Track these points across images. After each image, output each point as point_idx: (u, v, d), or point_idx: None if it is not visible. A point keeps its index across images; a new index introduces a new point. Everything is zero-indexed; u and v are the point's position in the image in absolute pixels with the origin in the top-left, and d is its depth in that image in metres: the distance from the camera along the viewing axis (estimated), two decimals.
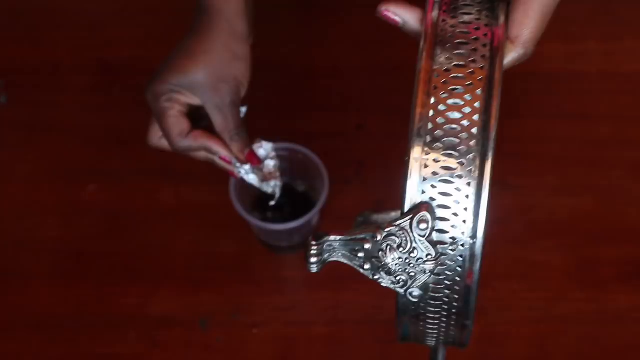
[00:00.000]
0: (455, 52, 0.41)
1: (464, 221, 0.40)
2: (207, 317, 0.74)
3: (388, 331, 0.73)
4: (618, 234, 0.78)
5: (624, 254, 0.77)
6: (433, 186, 0.40)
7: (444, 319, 0.44)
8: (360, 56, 0.86)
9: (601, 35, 0.87)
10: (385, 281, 0.41)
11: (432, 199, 0.40)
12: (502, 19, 0.43)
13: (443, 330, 0.45)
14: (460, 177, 0.40)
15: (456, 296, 0.42)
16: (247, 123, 0.67)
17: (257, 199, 0.76)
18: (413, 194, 0.40)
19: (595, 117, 0.83)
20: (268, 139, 0.70)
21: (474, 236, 0.40)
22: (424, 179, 0.40)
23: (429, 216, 0.39)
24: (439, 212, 0.40)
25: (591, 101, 0.84)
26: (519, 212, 0.79)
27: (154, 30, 0.87)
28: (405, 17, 0.44)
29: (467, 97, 0.40)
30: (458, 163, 0.40)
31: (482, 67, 0.40)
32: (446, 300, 0.42)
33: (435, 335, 0.45)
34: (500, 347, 0.73)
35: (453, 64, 0.40)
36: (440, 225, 0.40)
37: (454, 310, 0.43)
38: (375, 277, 0.40)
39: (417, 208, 0.40)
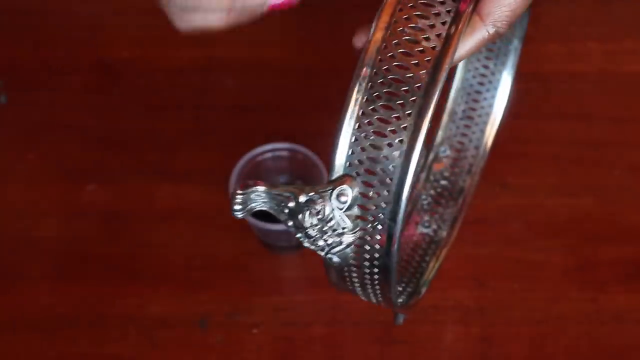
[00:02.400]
0: (416, 13, 0.41)
1: (384, 203, 0.40)
2: (207, 317, 0.74)
3: (387, 332, 0.74)
4: (618, 234, 0.78)
5: (624, 254, 0.77)
6: (360, 161, 0.40)
7: (368, 287, 0.44)
8: None
9: (601, 35, 0.87)
10: (306, 242, 0.41)
11: (357, 174, 0.40)
12: None
13: (370, 294, 0.45)
14: (390, 145, 0.40)
15: (376, 271, 0.42)
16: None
17: None
18: (340, 162, 0.40)
19: (595, 117, 0.83)
20: (268, 139, 0.70)
21: (392, 219, 0.40)
22: (355, 140, 0.40)
23: (349, 190, 0.40)
24: (363, 188, 0.40)
25: (591, 101, 0.84)
26: (519, 212, 0.79)
27: (154, 31, 0.87)
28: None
29: (414, 62, 0.40)
30: (390, 129, 0.40)
31: (438, 34, 0.40)
32: (367, 272, 0.42)
33: (364, 296, 0.46)
34: (500, 347, 0.73)
35: (409, 25, 0.40)
36: (362, 201, 0.40)
37: (376, 283, 0.43)
38: (298, 235, 0.41)
39: (341, 179, 0.40)
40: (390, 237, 0.40)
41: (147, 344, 0.74)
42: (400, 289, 0.58)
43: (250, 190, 0.41)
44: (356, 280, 0.44)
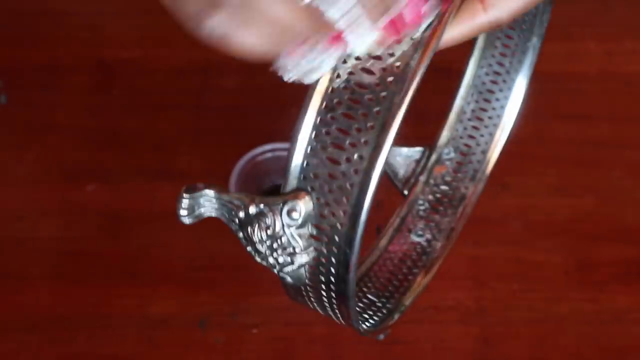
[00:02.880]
0: None
1: (340, 225, 0.35)
2: (207, 318, 0.74)
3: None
4: (618, 234, 0.78)
5: (624, 254, 0.77)
6: (315, 175, 0.35)
7: (328, 309, 0.39)
8: None
9: (601, 35, 0.87)
10: (257, 258, 0.37)
11: (312, 189, 0.35)
12: None
13: (332, 315, 0.40)
14: (348, 160, 0.34)
15: (333, 295, 0.37)
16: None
17: None
18: (294, 174, 0.36)
19: (595, 117, 0.83)
20: (268, 139, 0.69)
21: (348, 244, 0.35)
22: (311, 150, 0.35)
23: (301, 207, 0.35)
24: (317, 205, 0.35)
25: (591, 101, 0.84)
26: (519, 212, 0.79)
27: (154, 31, 0.87)
28: None
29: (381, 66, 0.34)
30: (353, 130, 0.34)
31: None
32: (324, 295, 0.38)
33: (326, 314, 0.41)
34: (500, 347, 0.73)
35: None
36: (316, 219, 0.35)
37: (335, 306, 0.39)
38: (248, 249, 0.37)
39: (293, 194, 0.36)
40: (345, 263, 0.35)
41: (147, 344, 0.74)
42: (378, 304, 0.52)
43: (197, 193, 0.37)
44: (314, 300, 0.40)
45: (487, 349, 0.73)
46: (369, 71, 0.34)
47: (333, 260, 0.36)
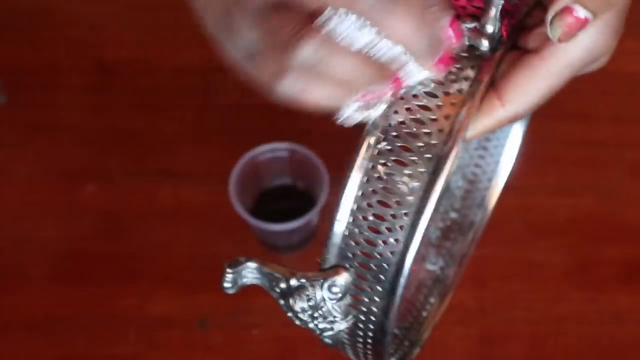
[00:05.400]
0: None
1: (377, 297, 0.39)
2: (207, 318, 0.74)
3: None
4: (618, 234, 0.78)
5: (624, 254, 0.77)
6: (354, 254, 0.39)
7: (362, 356, 0.43)
8: None
9: None
10: (297, 322, 0.40)
11: (351, 266, 0.39)
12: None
13: None
14: (385, 242, 0.38)
15: (369, 353, 0.41)
16: None
17: (257, 199, 0.76)
18: (333, 253, 0.39)
19: (595, 118, 0.83)
20: (268, 139, 0.69)
21: (385, 314, 0.39)
22: (351, 233, 0.39)
23: (341, 283, 0.39)
24: (356, 280, 0.39)
25: (591, 101, 0.84)
26: (519, 212, 0.79)
27: (154, 31, 0.87)
28: None
29: (412, 158, 0.38)
30: (386, 227, 0.38)
31: (440, 129, 0.37)
32: (360, 351, 0.42)
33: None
34: (500, 347, 0.73)
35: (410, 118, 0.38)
36: (355, 291, 0.39)
37: (370, 358, 0.42)
38: (289, 315, 0.40)
39: (333, 270, 0.39)
40: (382, 330, 0.39)
41: (147, 344, 0.74)
42: (400, 337, 0.55)
43: (240, 267, 0.40)
44: (351, 353, 0.43)
45: (487, 349, 0.73)
46: (402, 163, 0.38)
47: (371, 326, 0.40)
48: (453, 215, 0.62)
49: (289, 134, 0.75)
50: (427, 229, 0.53)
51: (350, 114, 0.38)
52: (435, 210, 0.52)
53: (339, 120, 0.38)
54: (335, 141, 0.83)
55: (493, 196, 0.62)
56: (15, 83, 0.85)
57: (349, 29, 0.35)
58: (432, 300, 0.59)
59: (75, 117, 0.84)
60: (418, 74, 0.37)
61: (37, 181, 0.81)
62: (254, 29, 0.37)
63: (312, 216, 0.71)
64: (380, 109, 0.38)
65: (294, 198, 0.76)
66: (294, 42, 0.35)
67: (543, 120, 0.83)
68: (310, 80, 0.36)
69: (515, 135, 0.62)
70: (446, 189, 0.61)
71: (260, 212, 0.75)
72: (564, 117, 0.84)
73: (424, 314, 0.58)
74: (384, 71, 0.37)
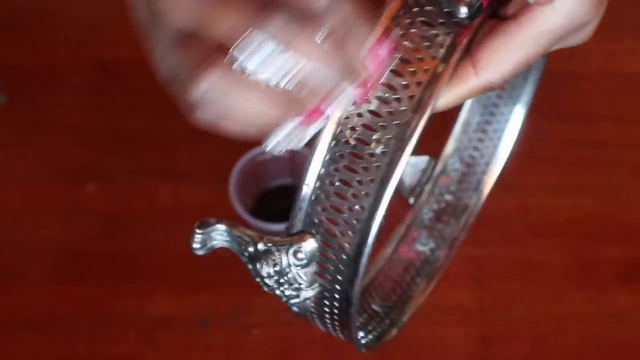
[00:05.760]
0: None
1: (342, 266, 0.38)
2: (207, 318, 0.74)
3: None
4: (618, 234, 0.78)
5: (624, 254, 0.77)
6: (320, 220, 0.38)
7: (332, 332, 0.43)
8: None
9: (601, 35, 0.86)
10: (265, 288, 0.40)
11: (317, 232, 0.38)
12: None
13: (336, 336, 0.44)
14: (350, 209, 0.37)
15: (337, 324, 0.41)
16: None
17: (257, 199, 0.76)
18: (300, 218, 0.39)
19: (595, 118, 0.83)
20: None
21: (350, 283, 0.38)
22: (316, 199, 0.38)
23: (307, 249, 0.38)
24: (322, 247, 0.38)
25: (591, 101, 0.84)
26: (519, 212, 0.79)
27: None
28: None
29: (381, 123, 0.37)
30: (361, 169, 0.37)
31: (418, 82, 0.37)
32: (328, 323, 0.41)
33: (331, 332, 0.44)
34: (500, 347, 0.73)
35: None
36: (320, 259, 0.38)
37: (339, 332, 0.42)
38: (256, 280, 0.40)
39: (299, 236, 0.39)
40: (348, 300, 0.39)
41: (147, 344, 0.74)
42: (382, 315, 0.54)
43: (210, 228, 0.40)
44: (319, 324, 0.43)
45: (487, 349, 0.73)
46: (370, 128, 0.37)
47: (336, 295, 0.39)
48: (448, 197, 0.62)
49: None
50: (420, 210, 0.53)
51: (275, 146, 0.37)
52: (430, 192, 0.51)
53: (267, 149, 0.37)
54: None
55: (489, 180, 0.62)
56: (15, 83, 0.85)
57: (262, 57, 0.33)
58: (419, 280, 0.58)
59: (75, 117, 0.84)
60: (341, 102, 0.36)
61: (37, 181, 0.81)
62: (170, 54, 0.37)
63: None
64: (307, 138, 0.38)
65: (294, 198, 0.76)
66: (194, 75, 0.35)
67: (543, 120, 0.83)
68: (220, 114, 0.35)
69: (516, 119, 0.61)
70: (442, 171, 0.62)
71: (260, 212, 0.75)
72: (564, 117, 0.84)
73: (409, 293, 0.57)
74: (297, 103, 0.35)
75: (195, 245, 0.40)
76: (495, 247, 0.77)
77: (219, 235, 0.40)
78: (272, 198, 0.74)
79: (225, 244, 0.40)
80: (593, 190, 0.80)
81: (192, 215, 0.79)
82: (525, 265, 0.76)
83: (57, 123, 0.84)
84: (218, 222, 0.40)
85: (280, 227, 0.71)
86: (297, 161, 0.75)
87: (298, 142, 0.37)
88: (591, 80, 0.85)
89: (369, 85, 0.37)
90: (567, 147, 0.82)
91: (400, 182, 0.58)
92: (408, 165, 0.57)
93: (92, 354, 0.74)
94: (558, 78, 0.85)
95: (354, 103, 0.37)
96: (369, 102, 0.37)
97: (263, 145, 0.37)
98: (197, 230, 0.40)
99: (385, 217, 0.37)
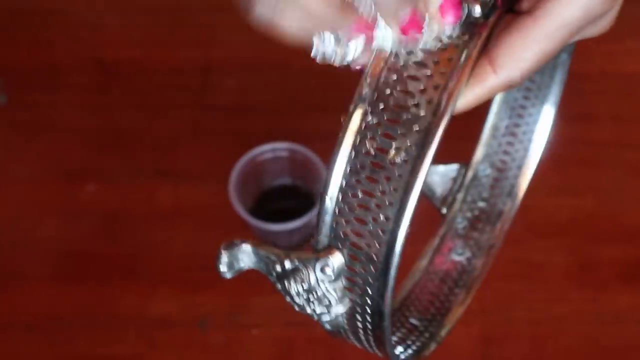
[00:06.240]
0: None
1: (371, 279, 0.37)
2: (206, 318, 0.74)
3: None
4: (618, 234, 0.78)
5: (624, 254, 0.77)
6: (345, 234, 0.37)
7: (367, 348, 0.42)
8: None
9: (601, 35, 0.87)
10: (296, 307, 0.39)
11: (343, 246, 0.37)
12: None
13: (371, 352, 0.43)
14: (375, 220, 0.36)
15: (372, 339, 0.40)
16: None
17: (257, 199, 0.76)
18: (325, 233, 0.38)
19: (595, 118, 0.83)
20: (268, 139, 0.69)
21: (380, 296, 0.37)
22: (339, 212, 0.37)
23: (333, 263, 0.37)
24: (349, 261, 0.37)
25: (591, 101, 0.84)
26: (519, 212, 0.78)
27: (154, 31, 0.87)
28: None
29: (401, 131, 0.36)
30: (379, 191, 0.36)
31: (429, 100, 0.36)
32: (362, 338, 0.40)
33: (367, 349, 0.43)
34: (500, 347, 0.73)
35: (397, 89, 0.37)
36: (349, 273, 0.38)
37: (374, 347, 0.41)
38: (287, 299, 0.39)
39: (325, 251, 0.38)
40: (380, 313, 0.38)
41: (147, 344, 0.74)
42: (421, 329, 0.53)
43: (236, 249, 0.39)
44: (354, 340, 0.42)
45: (487, 349, 0.73)
46: (390, 136, 0.36)
47: (368, 310, 0.38)
48: (481, 204, 0.60)
49: (289, 134, 0.75)
50: (453, 219, 0.52)
51: (324, 49, 0.37)
52: (463, 200, 0.50)
53: (312, 54, 0.38)
54: (335, 141, 0.83)
55: (523, 184, 0.60)
56: (15, 83, 0.85)
57: None
58: (457, 291, 0.57)
59: (75, 117, 0.84)
60: (386, 32, 0.36)
61: (36, 181, 0.81)
62: None
63: (312, 216, 0.71)
64: (350, 56, 0.37)
65: (294, 198, 0.76)
66: None
67: None
68: (280, 11, 0.36)
69: (546, 120, 0.60)
70: (474, 178, 0.60)
71: (260, 212, 0.75)
72: (564, 117, 0.83)
73: (447, 305, 0.56)
74: (353, 14, 0.36)
75: (222, 269, 0.39)
76: None
77: (246, 256, 0.39)
78: (272, 198, 0.74)
79: (252, 265, 0.39)
80: (593, 190, 0.80)
81: (192, 215, 0.80)
82: (525, 265, 0.76)
83: (57, 123, 0.84)
84: (243, 242, 0.39)
85: (280, 227, 0.71)
86: (296, 161, 0.75)
87: (342, 57, 0.37)
88: (591, 80, 0.85)
89: (412, 30, 0.36)
90: (567, 147, 0.82)
91: (432, 192, 0.58)
92: (438, 174, 0.57)
93: (92, 354, 0.74)
94: None
95: (399, 42, 0.36)
96: (412, 43, 0.36)
97: (311, 51, 0.38)
98: (223, 252, 0.39)
99: (412, 225, 0.36)
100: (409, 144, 0.36)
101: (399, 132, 0.36)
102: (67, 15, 0.89)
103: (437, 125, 0.35)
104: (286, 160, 0.74)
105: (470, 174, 0.60)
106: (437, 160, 0.56)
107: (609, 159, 0.81)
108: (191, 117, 0.83)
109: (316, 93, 0.84)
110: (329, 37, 0.37)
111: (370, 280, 0.37)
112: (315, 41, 0.37)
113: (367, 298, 0.38)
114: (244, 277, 0.80)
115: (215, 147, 0.81)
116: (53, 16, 0.89)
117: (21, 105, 0.84)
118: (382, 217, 0.36)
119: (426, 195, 0.57)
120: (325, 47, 0.37)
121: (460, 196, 0.60)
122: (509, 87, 0.37)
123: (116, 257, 0.77)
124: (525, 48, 0.37)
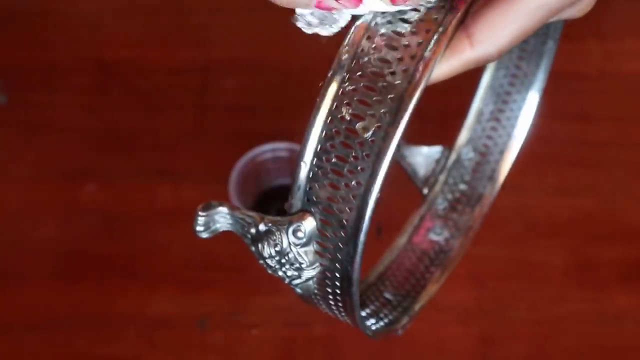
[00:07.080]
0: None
1: (341, 244, 0.38)
2: (206, 318, 0.74)
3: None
4: (618, 234, 0.78)
5: (624, 254, 0.77)
6: (318, 198, 0.38)
7: (337, 315, 0.42)
8: None
9: (601, 35, 0.87)
10: (268, 270, 0.40)
11: (316, 211, 0.38)
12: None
13: (341, 319, 0.43)
14: (347, 185, 0.37)
15: (340, 305, 0.41)
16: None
17: (257, 199, 0.76)
18: (299, 197, 0.38)
19: (595, 118, 0.83)
20: (268, 139, 0.69)
21: (349, 262, 0.38)
22: (314, 173, 0.38)
23: (305, 227, 0.38)
24: (321, 225, 0.38)
25: (591, 101, 0.84)
26: (519, 212, 0.79)
27: (154, 31, 0.87)
28: None
29: (376, 98, 0.37)
30: (352, 157, 0.37)
31: (412, 56, 0.36)
32: (332, 304, 0.41)
33: (337, 316, 0.44)
34: (500, 347, 0.73)
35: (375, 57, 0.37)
36: (320, 238, 0.38)
37: (343, 314, 0.42)
38: (260, 262, 0.39)
39: (298, 215, 0.38)
40: (349, 279, 0.38)
41: (147, 344, 0.74)
42: (394, 303, 0.54)
43: (212, 211, 0.39)
44: (325, 306, 0.42)
45: (487, 349, 0.73)
46: (365, 103, 0.37)
47: (337, 275, 0.39)
48: (462, 187, 0.61)
49: (288, 134, 0.75)
50: (434, 200, 0.52)
51: (307, 19, 0.38)
52: (445, 182, 0.51)
53: (294, 21, 0.39)
54: None
55: (504, 169, 0.61)
56: (15, 83, 0.85)
57: None
58: (433, 270, 0.58)
59: (75, 117, 0.84)
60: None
61: (37, 181, 0.81)
62: None
63: None
64: (339, 24, 0.38)
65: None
66: None
67: (543, 120, 0.83)
68: None
69: (530, 107, 0.61)
70: (456, 161, 0.61)
71: (260, 210, 0.75)
72: (564, 117, 0.84)
73: (423, 283, 0.57)
74: None
75: (198, 228, 0.39)
76: (495, 247, 0.77)
77: (222, 218, 0.39)
78: (272, 198, 0.74)
79: (228, 227, 0.40)
80: (593, 190, 0.80)
81: (192, 215, 0.79)
82: (525, 265, 0.76)
83: (57, 123, 0.84)
84: (220, 204, 0.39)
85: None
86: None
87: (330, 25, 0.39)
88: (591, 80, 0.85)
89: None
90: (567, 147, 0.82)
91: (414, 173, 0.58)
92: (422, 156, 0.58)
93: (91, 354, 0.74)
94: (558, 78, 0.85)
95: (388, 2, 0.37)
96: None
97: (293, 18, 0.38)
98: (200, 213, 0.39)
99: (383, 191, 0.36)
100: (382, 112, 0.36)
101: (374, 99, 0.37)
102: (67, 15, 0.89)
103: (412, 94, 0.35)
104: (286, 160, 0.74)
105: (453, 156, 0.61)
106: (421, 142, 0.56)
107: (609, 159, 0.81)
108: (191, 117, 0.83)
109: (316, 93, 0.84)
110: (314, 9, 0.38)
111: (340, 245, 0.38)
112: (302, 10, 0.38)
113: (336, 263, 0.38)
114: (244, 277, 0.80)
115: (215, 147, 0.81)
116: (53, 16, 0.89)
117: (21, 105, 0.84)
118: (354, 182, 0.37)
119: (409, 175, 0.58)
120: (311, 18, 0.38)
121: (442, 178, 0.61)
122: (485, 62, 0.38)
123: (116, 257, 0.77)
124: (504, 25, 0.37)
